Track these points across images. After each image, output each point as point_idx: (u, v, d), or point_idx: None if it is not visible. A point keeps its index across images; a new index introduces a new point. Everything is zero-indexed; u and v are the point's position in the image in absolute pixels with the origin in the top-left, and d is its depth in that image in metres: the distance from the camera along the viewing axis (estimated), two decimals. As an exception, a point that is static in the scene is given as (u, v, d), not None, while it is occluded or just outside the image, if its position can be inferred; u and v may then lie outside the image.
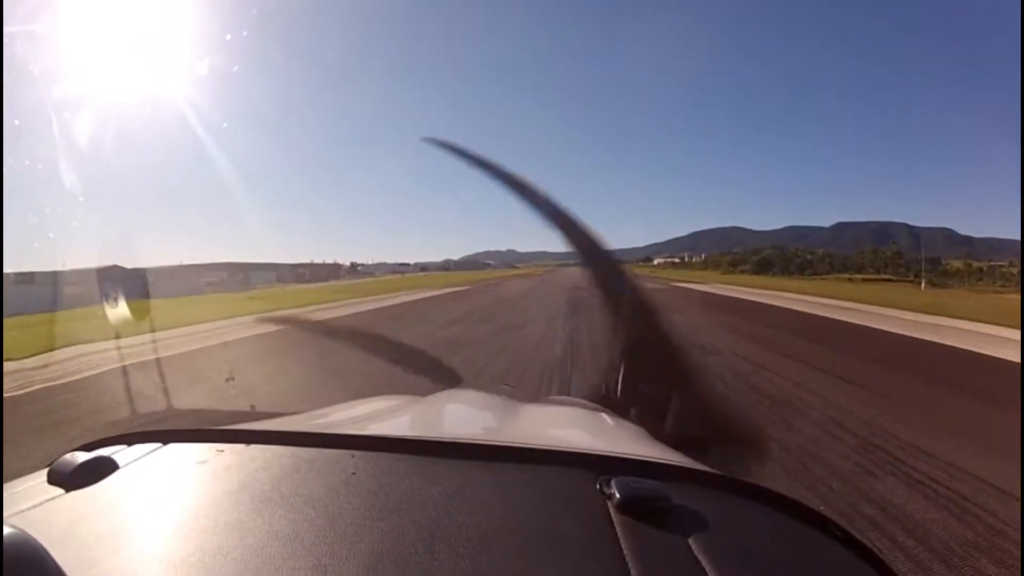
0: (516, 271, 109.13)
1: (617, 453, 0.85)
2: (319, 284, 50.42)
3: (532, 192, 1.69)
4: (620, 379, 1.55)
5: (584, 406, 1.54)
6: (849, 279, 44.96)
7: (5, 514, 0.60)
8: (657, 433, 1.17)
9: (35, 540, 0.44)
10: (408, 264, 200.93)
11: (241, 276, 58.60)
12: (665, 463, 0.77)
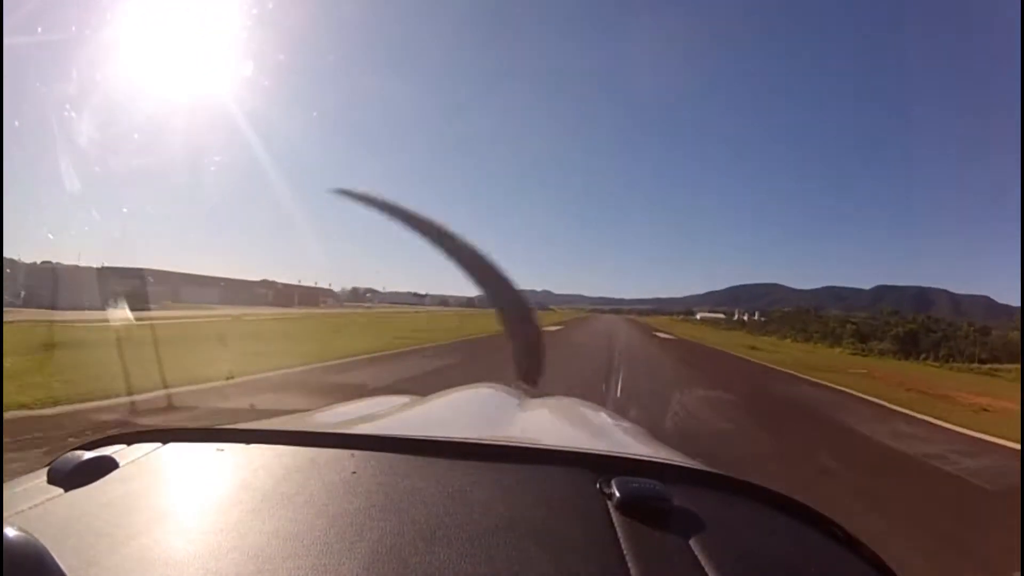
0: (548, 313, 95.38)
1: (617, 453, 0.85)
2: (277, 311, 36.10)
3: (450, 237, 1.82)
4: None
5: (584, 404, 1.60)
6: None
7: (5, 514, 0.59)
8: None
9: (36, 539, 0.43)
10: (423, 295, 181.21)
11: (168, 288, 43.34)
12: (665, 463, 0.76)
